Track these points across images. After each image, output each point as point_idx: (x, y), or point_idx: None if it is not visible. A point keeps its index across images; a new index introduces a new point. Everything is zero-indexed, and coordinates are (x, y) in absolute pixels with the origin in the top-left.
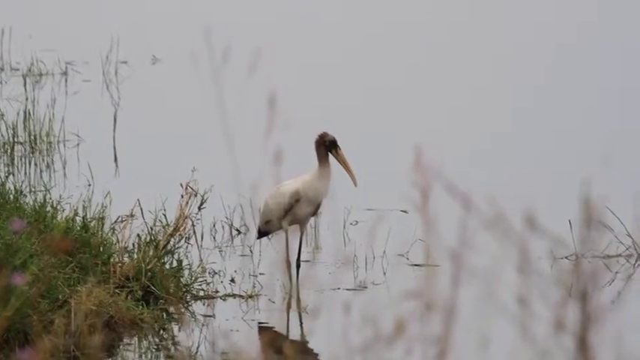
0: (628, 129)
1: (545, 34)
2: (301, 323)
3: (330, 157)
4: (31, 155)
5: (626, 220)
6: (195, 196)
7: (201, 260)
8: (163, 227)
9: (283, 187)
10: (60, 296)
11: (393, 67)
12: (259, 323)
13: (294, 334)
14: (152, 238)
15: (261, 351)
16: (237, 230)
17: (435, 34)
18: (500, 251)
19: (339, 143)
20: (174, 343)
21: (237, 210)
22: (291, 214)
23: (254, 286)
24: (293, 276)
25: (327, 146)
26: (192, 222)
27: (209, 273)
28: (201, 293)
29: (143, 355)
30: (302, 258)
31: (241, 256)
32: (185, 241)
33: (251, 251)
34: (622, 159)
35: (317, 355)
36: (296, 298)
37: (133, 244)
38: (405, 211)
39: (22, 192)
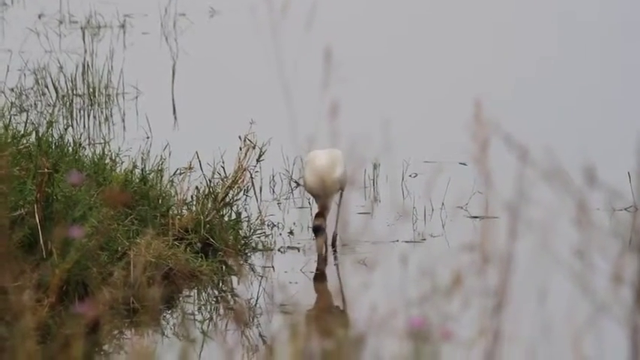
0: None
1: None
2: (359, 275)
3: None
4: (89, 108)
5: None
6: (254, 148)
7: (259, 212)
8: (222, 179)
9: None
10: (119, 248)
11: (454, 20)
12: (317, 275)
13: (352, 287)
14: (211, 190)
15: (318, 303)
16: (296, 182)
17: None
18: (557, 203)
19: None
20: (233, 295)
21: (297, 162)
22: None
23: (312, 239)
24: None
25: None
26: (251, 174)
27: (268, 225)
28: (260, 245)
29: (202, 307)
30: (359, 211)
31: (300, 208)
32: (244, 194)
33: (309, 203)
34: None
35: (374, 307)
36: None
37: (192, 197)
38: (463, 164)
39: (80, 144)
